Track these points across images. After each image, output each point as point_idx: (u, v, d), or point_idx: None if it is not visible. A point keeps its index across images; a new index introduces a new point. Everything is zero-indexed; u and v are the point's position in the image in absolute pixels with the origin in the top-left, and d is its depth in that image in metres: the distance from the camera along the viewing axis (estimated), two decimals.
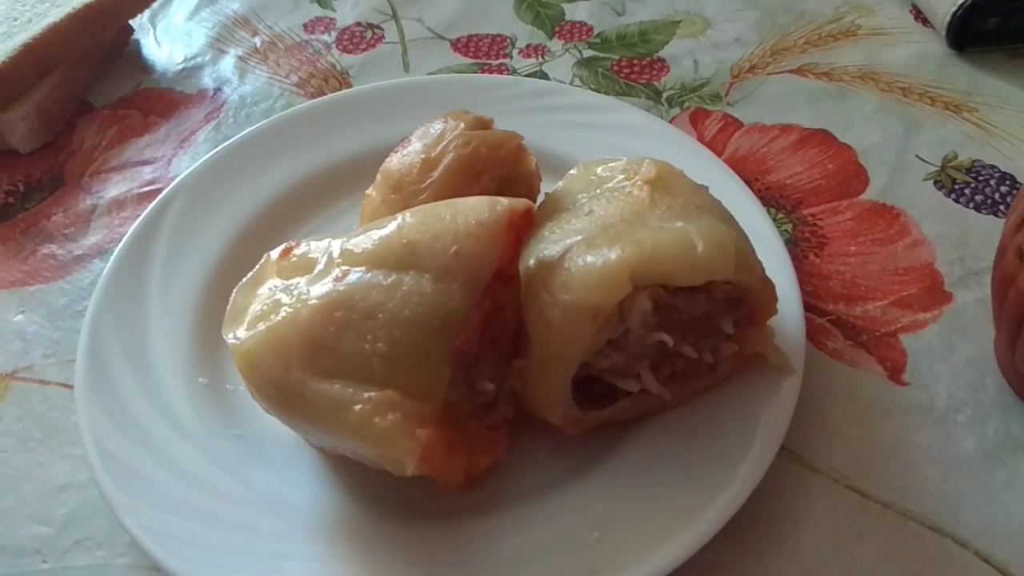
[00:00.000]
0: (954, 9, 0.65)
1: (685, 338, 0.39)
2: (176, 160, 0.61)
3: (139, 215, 0.56)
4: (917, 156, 0.59)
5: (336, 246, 0.40)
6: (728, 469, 0.39)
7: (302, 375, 0.36)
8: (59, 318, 0.52)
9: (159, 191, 0.58)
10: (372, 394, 0.36)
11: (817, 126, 0.61)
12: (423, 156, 0.46)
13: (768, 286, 0.40)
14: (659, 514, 0.38)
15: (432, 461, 0.36)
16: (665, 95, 0.64)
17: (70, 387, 0.48)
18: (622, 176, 0.42)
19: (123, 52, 0.71)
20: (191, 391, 0.45)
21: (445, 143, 0.46)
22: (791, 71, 0.66)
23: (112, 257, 0.50)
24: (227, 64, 0.69)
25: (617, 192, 0.41)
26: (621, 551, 0.37)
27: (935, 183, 0.57)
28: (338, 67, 0.68)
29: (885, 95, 0.63)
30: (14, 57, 0.62)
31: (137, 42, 0.72)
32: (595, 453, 0.42)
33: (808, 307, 0.48)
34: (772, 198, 0.56)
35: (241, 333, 0.38)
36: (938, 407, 0.46)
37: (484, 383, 0.39)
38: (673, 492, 0.39)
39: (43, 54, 0.63)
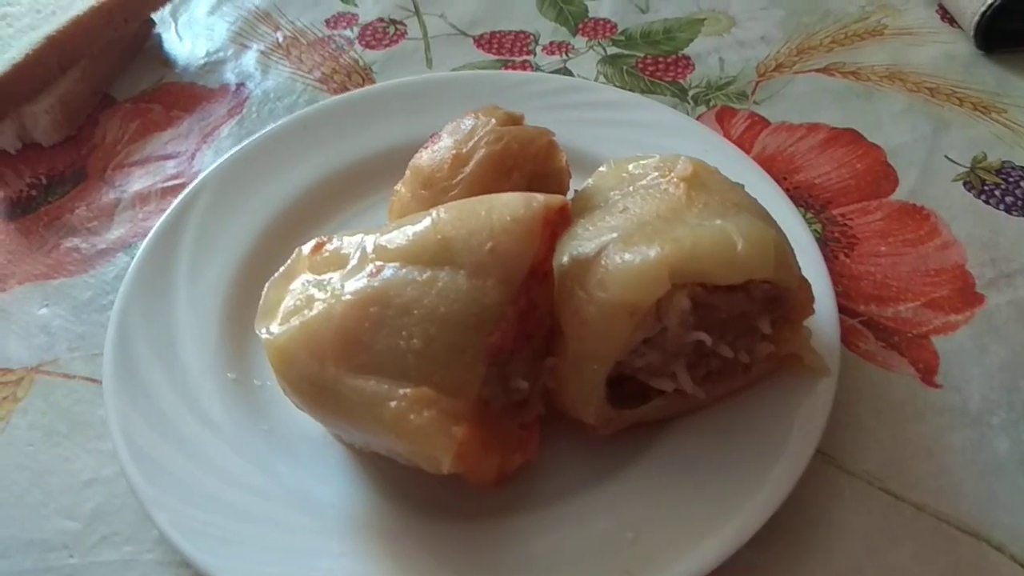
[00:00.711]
0: (983, 9, 0.64)
1: (722, 337, 0.38)
2: (199, 155, 0.61)
3: (163, 209, 0.56)
4: (946, 157, 0.58)
5: (369, 241, 0.39)
6: (763, 471, 0.39)
7: (337, 371, 0.36)
8: (84, 312, 0.52)
9: (183, 186, 0.58)
10: (407, 391, 0.35)
11: (845, 125, 0.60)
12: (454, 152, 0.45)
13: (805, 286, 0.39)
14: (694, 515, 0.38)
15: (467, 459, 0.35)
16: (691, 93, 0.64)
17: (96, 381, 0.48)
18: (656, 173, 0.42)
19: (145, 46, 0.71)
20: (219, 386, 0.44)
21: (476, 139, 0.45)
22: (817, 70, 0.65)
23: (139, 251, 0.49)
24: (249, 59, 0.69)
25: (652, 189, 0.41)
26: (656, 552, 0.37)
27: (965, 184, 0.56)
28: (361, 63, 0.68)
29: (913, 95, 0.63)
30: (38, 50, 0.61)
31: (159, 36, 0.72)
32: (627, 452, 0.41)
33: (840, 308, 0.47)
34: (801, 198, 0.55)
35: (275, 328, 0.38)
36: (971, 409, 0.45)
37: (518, 381, 0.38)
38: (708, 493, 0.39)
39: (66, 47, 0.63)
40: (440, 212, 0.39)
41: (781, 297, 0.39)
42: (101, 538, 0.42)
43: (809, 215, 0.54)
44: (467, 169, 0.45)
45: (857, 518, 0.41)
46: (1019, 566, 0.40)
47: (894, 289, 0.50)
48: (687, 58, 0.67)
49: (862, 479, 0.43)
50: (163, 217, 0.51)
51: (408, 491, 0.41)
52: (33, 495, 0.44)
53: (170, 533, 0.38)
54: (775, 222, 0.40)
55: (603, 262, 0.38)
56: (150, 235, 0.50)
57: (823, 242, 0.53)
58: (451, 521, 0.40)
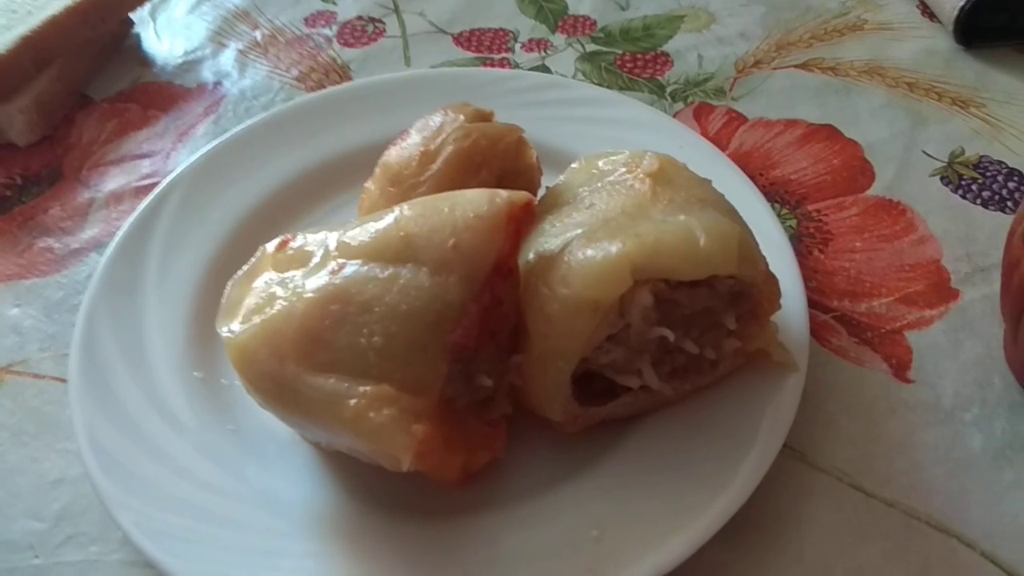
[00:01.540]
0: (962, 4, 0.64)
1: (687, 333, 0.38)
2: (175, 154, 0.61)
3: (136, 208, 0.56)
4: (924, 152, 0.58)
5: (332, 239, 0.39)
6: (730, 467, 0.39)
7: (297, 369, 0.36)
8: (55, 312, 0.52)
9: (157, 184, 0.58)
10: (367, 388, 0.35)
11: (823, 121, 0.60)
12: (422, 149, 0.45)
13: (772, 281, 0.39)
14: (659, 512, 0.38)
15: (428, 457, 0.35)
16: (668, 90, 0.63)
17: (65, 381, 0.47)
18: (624, 169, 0.42)
19: (123, 45, 0.71)
20: (186, 386, 0.44)
21: (444, 135, 0.45)
22: (796, 66, 0.65)
23: (108, 250, 0.49)
24: (227, 58, 0.69)
25: (619, 185, 0.41)
26: (621, 549, 0.37)
27: (942, 179, 0.56)
28: (339, 61, 0.68)
29: (891, 90, 0.63)
30: (12, 50, 0.61)
31: (137, 35, 0.72)
32: (594, 450, 0.41)
33: (812, 303, 0.47)
34: (777, 193, 0.55)
35: (236, 326, 0.38)
36: (944, 405, 0.45)
37: (482, 378, 0.38)
38: (674, 490, 0.38)
39: (42, 47, 0.63)
40: (403, 209, 0.39)
41: (746, 292, 0.38)
42: (66, 538, 0.42)
43: (784, 211, 0.54)
44: (435, 166, 0.45)
45: (827, 515, 0.41)
46: (989, 562, 0.40)
47: (868, 284, 0.50)
48: (666, 55, 0.67)
49: (833, 476, 0.42)
50: (132, 216, 0.51)
51: (374, 490, 0.41)
52: (0, 495, 0.44)
53: (134, 534, 0.38)
54: (740, 217, 0.40)
55: (566, 258, 0.37)
56: (119, 234, 0.50)
57: (798, 238, 0.52)
58: (417, 520, 0.39)
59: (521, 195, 0.39)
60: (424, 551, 0.38)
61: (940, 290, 0.50)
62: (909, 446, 0.43)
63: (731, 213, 0.39)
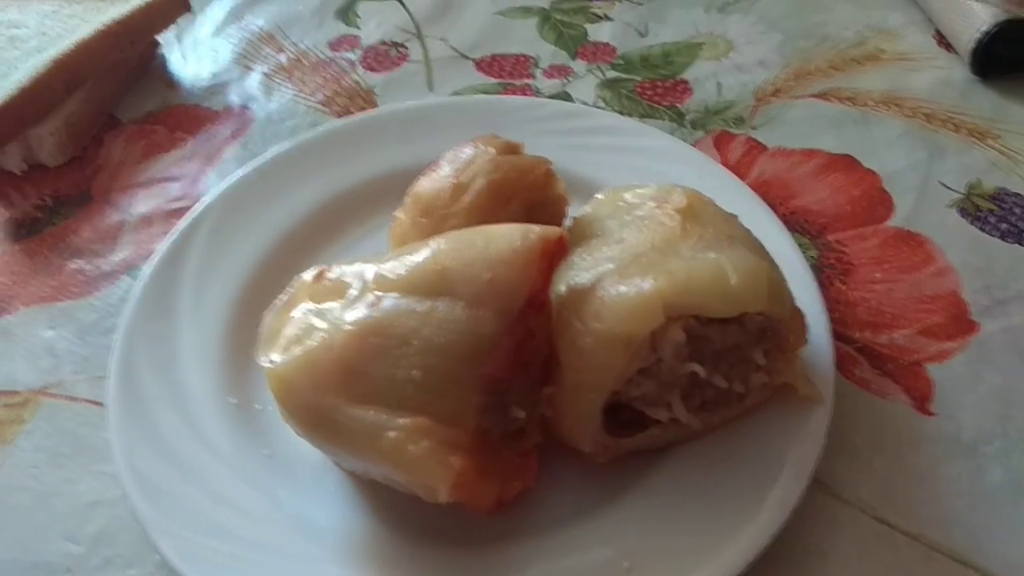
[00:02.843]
0: (978, 36, 0.65)
1: (716, 368, 0.39)
2: (203, 177, 0.62)
3: (167, 232, 0.57)
4: (941, 183, 0.59)
5: (369, 271, 0.40)
6: (759, 500, 0.39)
7: (336, 400, 0.37)
8: (88, 334, 0.53)
9: (187, 208, 0.58)
10: (405, 420, 0.36)
11: (841, 151, 0.61)
12: (453, 180, 0.46)
13: (799, 317, 0.40)
14: (690, 545, 0.38)
15: (464, 488, 0.36)
16: (688, 117, 0.64)
17: (99, 404, 0.49)
18: (652, 204, 0.43)
19: (149, 67, 0.72)
20: (221, 411, 0.45)
21: (475, 168, 0.46)
22: (815, 95, 0.66)
23: (143, 275, 0.50)
24: (253, 81, 0.70)
25: (648, 220, 0.42)
26: None
27: (960, 210, 0.57)
28: (363, 85, 0.69)
29: (909, 120, 0.63)
30: (44, 73, 0.62)
31: (163, 57, 0.73)
32: (624, 480, 0.42)
33: (835, 334, 0.47)
34: (797, 223, 0.56)
35: (276, 356, 0.39)
36: (965, 438, 0.46)
37: (515, 410, 0.39)
38: (704, 522, 0.39)
39: (72, 69, 0.64)
40: (439, 243, 0.40)
41: (774, 328, 0.39)
42: (104, 561, 0.43)
43: (805, 240, 0.55)
44: (466, 198, 0.45)
45: (851, 547, 0.42)
46: None
47: (889, 316, 0.51)
48: (685, 82, 0.68)
49: (856, 507, 0.43)
50: (166, 241, 0.52)
51: (407, 518, 0.41)
52: (37, 517, 0.45)
53: (173, 559, 0.39)
54: (768, 254, 0.41)
55: (599, 293, 0.38)
56: (153, 258, 0.51)
57: (819, 268, 0.53)
58: (450, 548, 0.40)
59: (554, 230, 0.40)
60: None
61: (959, 322, 0.51)
62: (932, 478, 0.44)
63: (759, 250, 0.40)
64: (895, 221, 0.56)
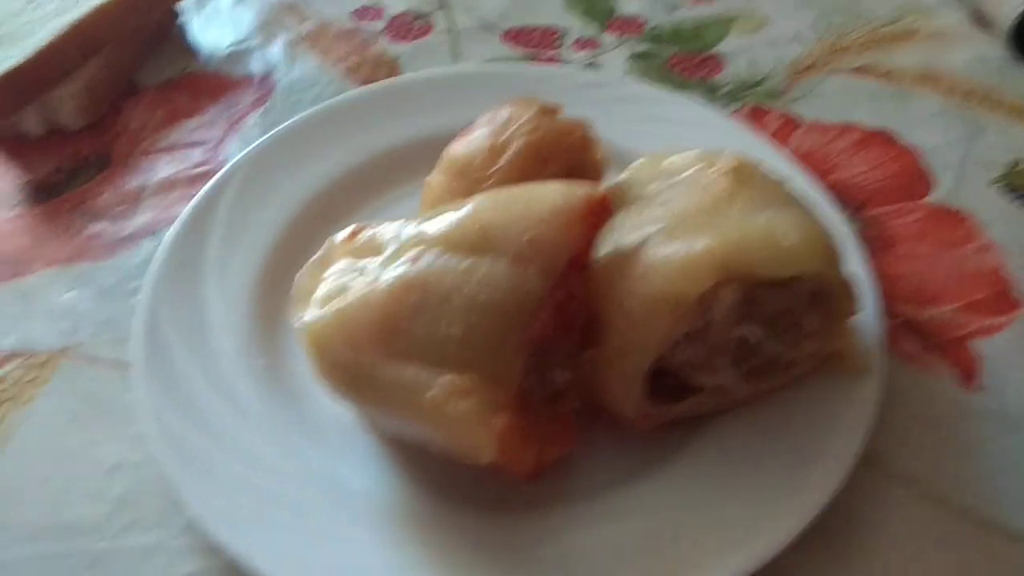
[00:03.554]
0: (1017, 15, 0.63)
1: (766, 333, 0.38)
2: (225, 143, 0.60)
3: (189, 197, 0.56)
4: (981, 160, 0.57)
5: (407, 229, 0.39)
6: (806, 472, 0.38)
7: (374, 357, 0.36)
8: (109, 297, 0.51)
9: (209, 173, 0.57)
10: (447, 378, 0.35)
11: (879, 126, 0.60)
12: (490, 142, 0.45)
13: (849, 284, 0.39)
14: (737, 516, 0.37)
15: (506, 450, 0.35)
16: (721, 91, 0.63)
17: (121, 366, 0.47)
18: (698, 167, 0.41)
19: (169, 34, 0.70)
20: (250, 373, 0.44)
21: (513, 129, 0.45)
22: (850, 70, 0.64)
23: (167, 236, 0.49)
24: (275, 49, 0.68)
25: (694, 183, 0.40)
26: (700, 553, 0.36)
27: (1001, 188, 0.56)
28: (388, 55, 0.68)
29: (946, 98, 0.62)
30: (62, 36, 0.61)
31: (183, 25, 0.71)
32: (664, 449, 0.40)
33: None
34: (837, 197, 0.54)
35: (309, 315, 0.37)
36: (1011, 414, 0.44)
37: (557, 372, 0.38)
38: (750, 493, 0.38)
39: (90, 33, 0.63)
40: (480, 201, 0.39)
41: (826, 293, 0.38)
42: (128, 523, 0.42)
43: (846, 214, 0.54)
44: (503, 160, 0.44)
45: (899, 522, 0.41)
46: None
47: (931, 291, 0.50)
48: (717, 56, 0.66)
49: (902, 482, 0.42)
50: (192, 203, 0.50)
51: (439, 481, 0.40)
52: (58, 479, 0.43)
53: (203, 520, 0.38)
54: (818, 217, 0.39)
55: (646, 254, 0.37)
56: (179, 220, 0.49)
57: (860, 242, 0.52)
58: (486, 513, 0.39)
59: (598, 190, 0.38)
60: (495, 545, 0.38)
61: (1003, 299, 0.49)
62: (978, 454, 0.43)
63: (810, 213, 0.39)
64: (935, 197, 0.55)
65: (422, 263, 0.37)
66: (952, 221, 0.54)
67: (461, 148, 0.46)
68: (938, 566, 0.39)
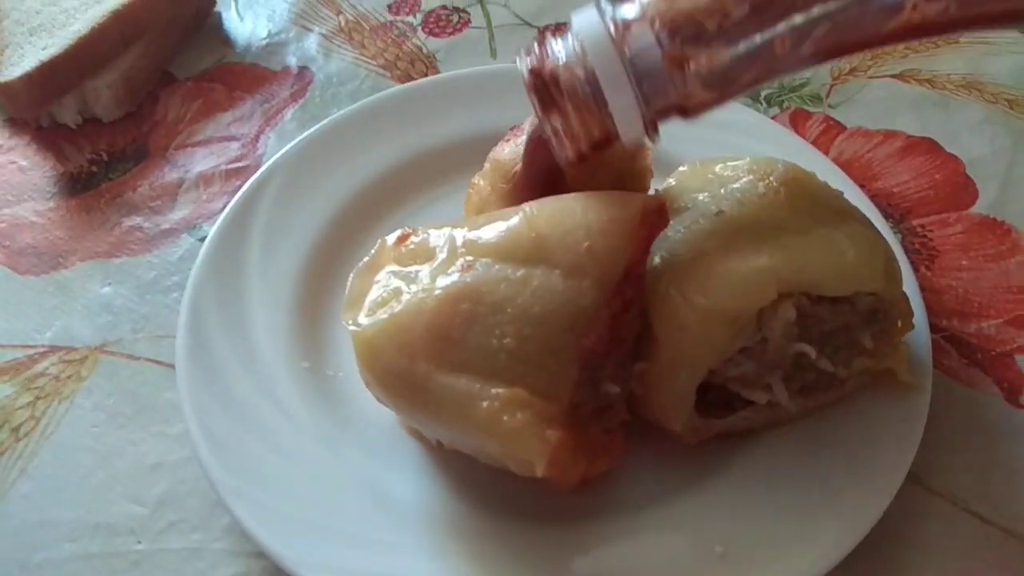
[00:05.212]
0: None
1: (822, 350, 0.37)
2: (263, 137, 0.60)
3: (228, 191, 0.56)
4: None
5: (458, 235, 0.38)
6: (854, 489, 0.38)
7: (428, 367, 0.35)
8: (148, 292, 0.51)
9: (247, 168, 0.57)
10: (500, 391, 0.34)
11: (922, 134, 0.59)
12: None
13: (907, 300, 0.38)
14: (786, 532, 0.37)
15: (558, 464, 0.35)
16: (763, 94, 0.62)
17: (161, 363, 0.47)
18: (751, 177, 0.41)
19: (205, 25, 0.70)
20: (294, 375, 0.44)
21: None
22: (892, 76, 0.64)
23: (210, 235, 0.48)
24: (311, 42, 0.68)
25: (749, 193, 0.40)
26: (748, 568, 0.36)
27: None
28: (424, 50, 0.67)
29: (991, 106, 0.61)
30: (103, 23, 0.61)
31: (219, 15, 0.71)
32: (710, 463, 0.40)
33: None
34: (879, 206, 0.53)
35: (362, 320, 0.37)
36: None
37: (608, 385, 0.37)
38: (798, 510, 0.38)
39: (130, 21, 0.62)
40: (533, 208, 0.39)
41: (885, 311, 0.38)
42: (168, 524, 0.42)
43: (888, 224, 0.53)
44: None
45: (944, 540, 0.40)
46: None
47: (976, 305, 0.49)
48: None
49: (947, 499, 0.42)
50: (233, 201, 0.50)
51: (483, 490, 0.40)
52: (98, 477, 0.43)
53: (245, 521, 0.38)
54: (879, 232, 0.39)
55: (704, 267, 0.37)
56: (222, 217, 0.49)
57: (904, 253, 0.51)
58: (529, 524, 0.39)
59: (655, 199, 0.38)
60: (541, 556, 0.38)
61: None
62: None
63: (872, 226, 0.39)
64: (980, 208, 0.54)
65: (474, 272, 0.36)
66: (997, 233, 0.53)
67: (508, 152, 0.45)
68: None
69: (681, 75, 0.34)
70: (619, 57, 0.34)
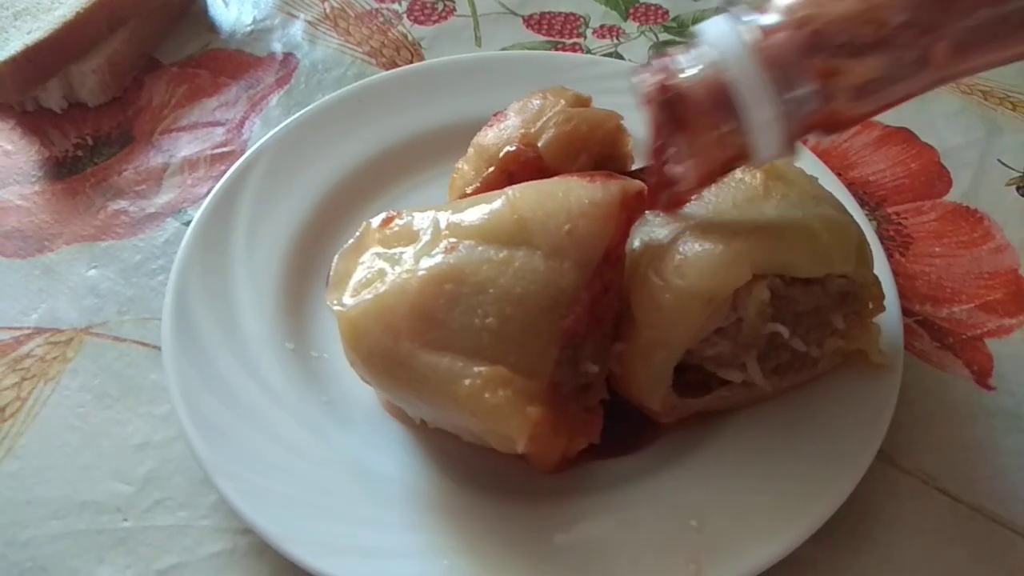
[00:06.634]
0: None
1: (795, 331, 0.38)
2: (248, 123, 0.60)
3: (213, 176, 0.56)
4: (999, 161, 0.58)
5: (442, 218, 0.39)
6: (827, 466, 0.39)
7: (411, 346, 0.36)
8: (133, 275, 0.52)
9: (232, 153, 0.58)
10: (482, 369, 0.35)
11: (898, 124, 0.60)
12: (522, 131, 0.45)
13: (878, 283, 0.39)
14: (759, 506, 0.38)
15: (539, 440, 0.35)
16: None
17: (147, 345, 0.48)
18: None
19: (190, 11, 0.70)
20: (278, 356, 0.44)
21: (545, 119, 0.45)
22: None
23: (195, 219, 0.49)
24: (296, 29, 0.68)
25: (727, 179, 0.41)
26: (722, 542, 0.37)
27: (1018, 189, 0.56)
28: (410, 38, 0.68)
29: (966, 97, 0.63)
30: (88, 8, 0.61)
31: (204, 1, 0.71)
32: (688, 441, 0.41)
33: None
34: (855, 194, 0.55)
35: (347, 300, 0.38)
36: None
37: (587, 364, 0.38)
38: (772, 486, 0.39)
39: (115, 6, 0.62)
40: (516, 192, 0.39)
41: (855, 292, 0.39)
42: (155, 502, 0.42)
43: (864, 212, 0.54)
44: None
45: (914, 517, 0.41)
46: None
47: (948, 290, 0.50)
48: None
49: (918, 478, 0.43)
50: (219, 185, 0.50)
51: (464, 467, 0.41)
52: (85, 457, 0.44)
53: (231, 498, 0.38)
54: (852, 216, 0.40)
55: (681, 249, 0.37)
56: (207, 202, 0.49)
57: (879, 240, 0.52)
58: (513, 500, 0.40)
59: (634, 183, 0.39)
60: (521, 532, 0.38)
61: (1019, 299, 0.50)
62: (992, 452, 0.44)
63: (844, 211, 0.40)
64: (953, 196, 0.56)
65: (457, 253, 0.37)
66: (969, 221, 0.54)
67: (492, 137, 0.46)
68: (951, 561, 0.40)
69: (830, 89, 0.31)
70: (759, 69, 0.31)
